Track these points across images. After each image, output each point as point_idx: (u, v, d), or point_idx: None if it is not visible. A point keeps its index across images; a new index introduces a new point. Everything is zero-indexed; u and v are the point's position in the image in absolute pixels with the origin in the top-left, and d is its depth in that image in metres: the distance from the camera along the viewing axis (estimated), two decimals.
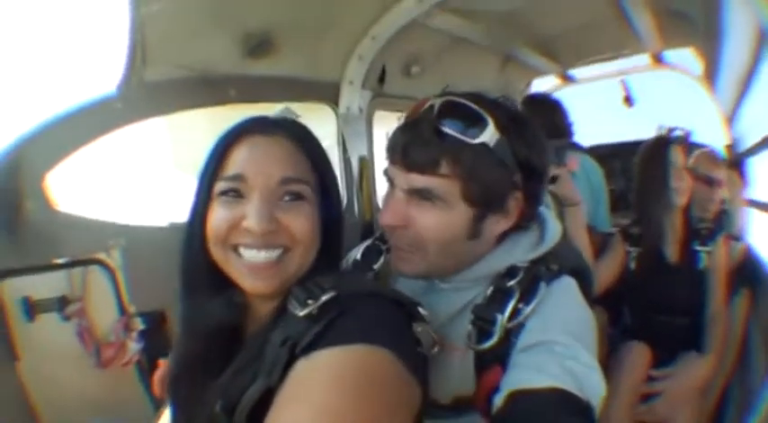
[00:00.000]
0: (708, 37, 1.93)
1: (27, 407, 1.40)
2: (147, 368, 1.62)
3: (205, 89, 1.72)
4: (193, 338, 0.80)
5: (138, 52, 1.50)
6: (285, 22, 1.70)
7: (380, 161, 2.35)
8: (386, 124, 2.24)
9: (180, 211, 1.88)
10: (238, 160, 0.74)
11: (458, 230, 0.83)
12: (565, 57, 2.57)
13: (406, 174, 0.82)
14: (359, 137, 2.14)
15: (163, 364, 1.44)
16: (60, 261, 1.53)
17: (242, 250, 0.73)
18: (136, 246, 1.60)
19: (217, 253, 0.74)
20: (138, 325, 1.62)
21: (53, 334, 1.50)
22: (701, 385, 1.65)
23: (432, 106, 0.82)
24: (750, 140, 2.04)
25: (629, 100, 2.67)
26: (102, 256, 1.56)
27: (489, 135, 0.78)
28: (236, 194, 0.73)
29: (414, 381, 0.64)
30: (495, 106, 0.82)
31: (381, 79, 2.11)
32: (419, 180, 0.81)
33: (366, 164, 2.17)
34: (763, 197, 2.01)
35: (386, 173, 0.89)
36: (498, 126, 0.79)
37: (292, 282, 0.75)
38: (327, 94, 2.03)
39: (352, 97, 2.05)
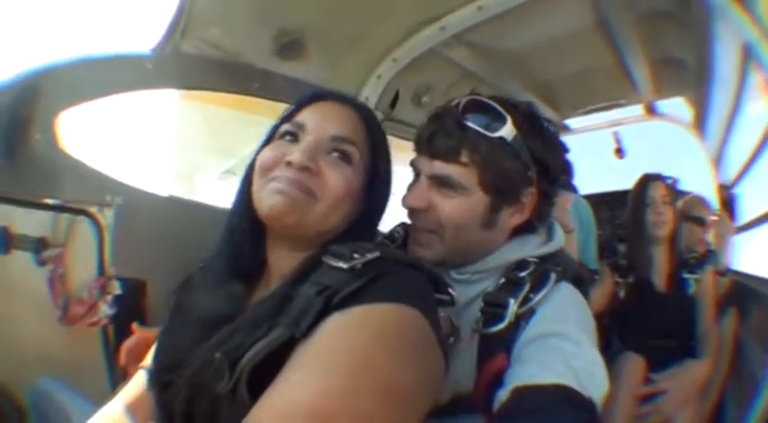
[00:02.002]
0: (699, 82, 2.19)
1: None
2: (113, 336, 1.50)
3: (232, 75, 1.84)
4: (187, 325, 0.77)
5: (182, 22, 1.64)
6: (318, 28, 1.86)
7: None
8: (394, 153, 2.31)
9: (180, 186, 1.88)
10: (304, 114, 0.81)
11: (474, 217, 0.91)
12: (563, 105, 2.80)
13: (430, 161, 0.92)
14: None
15: (138, 331, 1.35)
16: (50, 202, 1.49)
17: (276, 181, 0.74)
18: (131, 208, 1.58)
19: (256, 186, 0.77)
20: (116, 289, 1.54)
21: (24, 274, 1.43)
22: (701, 384, 1.75)
23: (458, 103, 0.93)
24: (734, 174, 2.26)
25: (620, 152, 2.93)
26: (94, 209, 1.54)
27: (507, 130, 0.88)
28: (292, 138, 0.79)
29: (441, 354, 0.64)
30: (515, 107, 0.92)
31: (393, 104, 2.28)
32: (441, 167, 0.90)
33: None
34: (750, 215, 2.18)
35: (412, 163, 0.98)
36: (516, 123, 0.89)
37: (313, 235, 0.76)
38: None
39: None
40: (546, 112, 2.77)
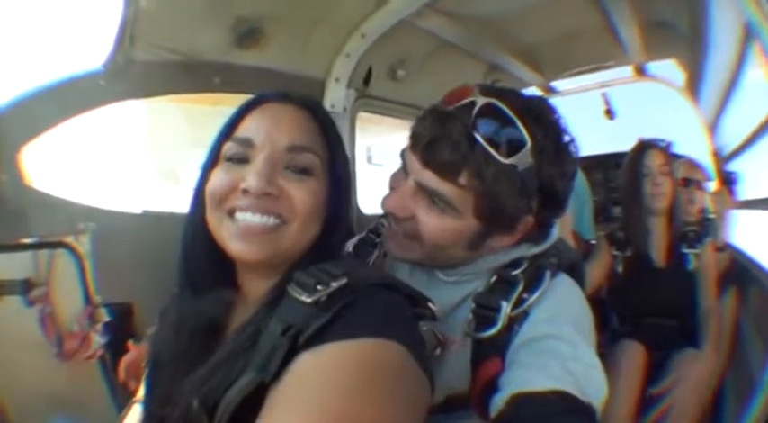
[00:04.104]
0: (692, 47, 2.15)
1: None
2: (110, 364, 1.60)
3: (190, 75, 1.80)
4: (175, 333, 0.78)
5: (128, 31, 1.57)
6: (276, 13, 1.80)
7: (361, 162, 2.46)
8: (368, 127, 2.37)
9: (153, 200, 1.91)
10: (248, 125, 0.75)
11: (458, 240, 0.86)
12: (548, 68, 2.76)
13: (422, 169, 0.83)
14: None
15: (133, 349, 1.44)
16: (27, 241, 1.54)
17: (237, 214, 0.72)
18: (106, 232, 1.61)
19: (212, 218, 0.74)
20: (104, 316, 1.62)
21: (15, 318, 1.49)
22: (705, 380, 1.75)
23: (472, 104, 0.81)
24: (732, 146, 2.27)
25: (609, 113, 2.91)
26: (70, 239, 1.57)
27: (522, 159, 0.78)
28: (241, 159, 0.73)
29: (425, 377, 0.62)
30: (541, 125, 0.80)
31: (366, 80, 2.23)
32: (434, 181, 0.82)
33: None
34: (748, 195, 2.23)
35: (402, 155, 0.90)
36: (534, 150, 0.78)
37: (285, 259, 0.74)
38: (313, 89, 2.12)
39: (337, 95, 2.17)
40: (530, 75, 2.72)
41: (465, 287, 0.92)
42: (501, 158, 0.77)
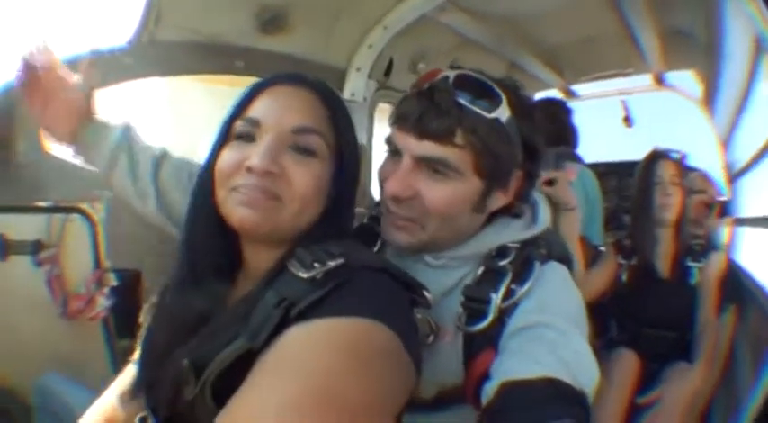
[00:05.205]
0: (709, 58, 2.08)
1: None
2: (113, 326, 1.68)
3: (213, 56, 1.85)
4: (167, 320, 0.80)
5: (154, 10, 1.63)
6: (301, 2, 1.83)
7: (378, 153, 2.44)
8: (387, 117, 2.32)
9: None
10: (258, 106, 0.77)
11: (465, 203, 0.88)
12: (569, 71, 2.73)
13: (418, 141, 0.85)
14: (359, 126, 2.20)
15: None
16: (42, 204, 1.61)
17: (240, 190, 0.74)
18: (121, 201, 1.67)
19: (219, 194, 0.76)
20: (112, 281, 1.67)
21: (23, 277, 1.56)
22: (693, 396, 1.73)
23: (446, 77, 0.86)
24: (742, 162, 2.18)
25: (628, 120, 2.87)
26: (85, 205, 1.63)
27: (502, 111, 0.84)
28: (248, 138, 0.75)
29: (411, 363, 0.64)
30: (505, 85, 0.88)
31: (387, 72, 2.25)
32: (433, 149, 0.84)
33: (364, 152, 2.27)
34: (749, 213, 2.14)
35: (389, 141, 0.92)
36: (509, 104, 0.85)
37: (284, 235, 0.76)
38: (334, 78, 2.15)
39: (358, 85, 2.19)
40: (550, 77, 2.68)
41: (453, 273, 0.92)
42: (486, 114, 0.84)
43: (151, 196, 1.10)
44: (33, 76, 1.02)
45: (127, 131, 1.12)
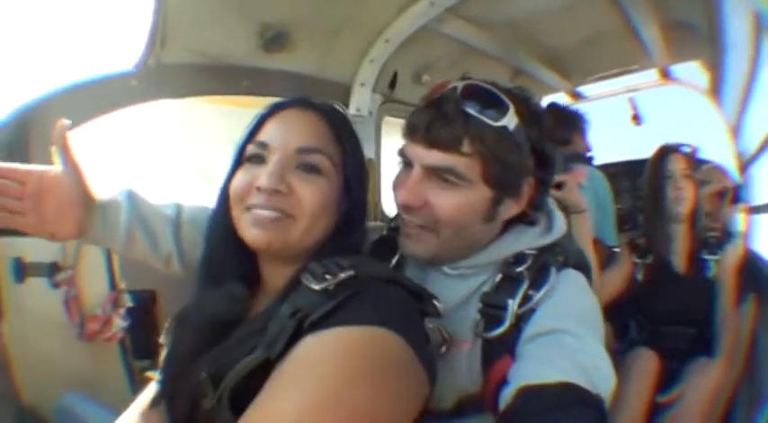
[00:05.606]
0: (712, 48, 2.07)
1: (3, 364, 1.48)
2: (130, 347, 1.69)
3: (219, 77, 1.88)
4: (189, 331, 0.82)
5: (159, 34, 1.67)
6: (302, 19, 1.86)
7: (387, 166, 2.48)
8: (393, 131, 2.37)
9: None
10: (267, 130, 0.83)
11: (475, 212, 0.89)
12: (573, 72, 2.72)
13: (427, 151, 0.88)
14: (366, 140, 2.23)
15: None
16: None
17: (252, 209, 0.79)
18: None
19: (234, 214, 0.82)
20: (127, 302, 1.70)
21: (40, 299, 1.58)
22: (714, 392, 1.70)
23: (455, 88, 0.89)
24: (752, 149, 2.14)
25: (637, 118, 2.84)
26: None
27: (509, 119, 0.86)
28: (259, 160, 0.81)
29: (423, 372, 0.66)
30: (513, 94, 0.89)
31: (392, 85, 2.27)
32: (441, 158, 0.86)
33: (372, 166, 2.29)
34: (764, 200, 2.09)
35: (401, 153, 0.95)
36: (517, 112, 0.87)
37: (297, 251, 0.81)
38: (338, 94, 2.18)
39: (363, 99, 2.22)
40: (556, 80, 2.68)
41: (470, 281, 0.94)
42: (493, 122, 0.85)
43: (175, 258, 1.08)
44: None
45: (132, 201, 1.02)
